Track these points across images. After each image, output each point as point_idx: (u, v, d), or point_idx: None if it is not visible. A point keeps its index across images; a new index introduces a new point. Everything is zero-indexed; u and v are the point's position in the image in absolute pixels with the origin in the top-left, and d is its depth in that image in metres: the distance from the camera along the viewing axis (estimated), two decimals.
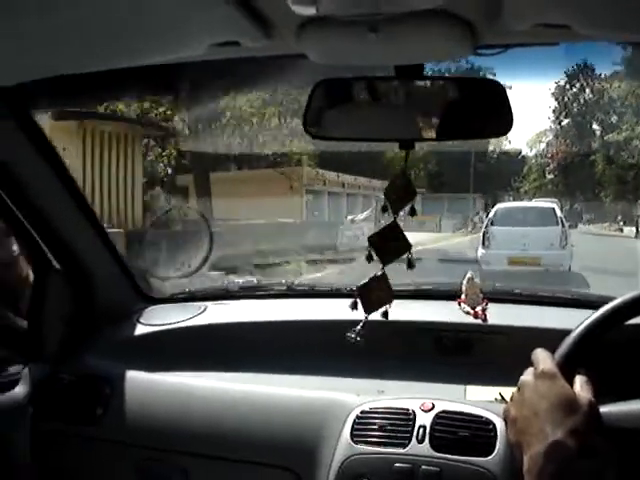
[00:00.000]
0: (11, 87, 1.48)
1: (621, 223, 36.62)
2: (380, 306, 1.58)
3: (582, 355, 1.21)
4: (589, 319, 1.24)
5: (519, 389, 1.20)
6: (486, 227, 15.09)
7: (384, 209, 1.47)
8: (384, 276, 1.56)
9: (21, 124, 1.69)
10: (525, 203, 19.96)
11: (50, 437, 1.84)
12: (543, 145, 52.84)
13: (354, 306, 1.59)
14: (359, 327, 1.62)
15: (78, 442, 1.83)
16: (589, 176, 46.11)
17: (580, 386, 1.15)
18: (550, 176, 51.31)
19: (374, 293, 1.58)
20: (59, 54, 1.25)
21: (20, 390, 1.87)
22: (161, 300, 2.27)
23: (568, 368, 1.17)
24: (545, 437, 1.08)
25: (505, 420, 1.22)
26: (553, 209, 15.62)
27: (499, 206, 16.95)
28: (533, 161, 52.64)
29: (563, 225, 14.78)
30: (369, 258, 1.52)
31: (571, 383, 1.15)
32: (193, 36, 1.19)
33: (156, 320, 2.08)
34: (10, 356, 1.96)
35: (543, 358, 1.20)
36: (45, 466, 1.85)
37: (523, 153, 54.31)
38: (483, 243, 14.55)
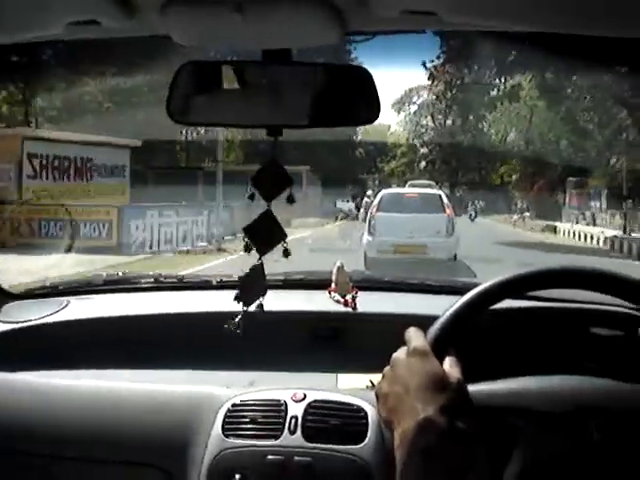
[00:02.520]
0: None
1: (526, 214, 37.02)
2: (258, 297, 1.55)
3: (452, 336, 1.24)
4: (459, 302, 1.27)
5: (392, 366, 1.21)
6: (371, 213, 14.91)
7: (251, 197, 1.44)
8: (261, 266, 1.54)
9: None
10: (411, 189, 19.40)
11: None
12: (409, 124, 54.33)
13: (237, 298, 1.56)
14: (238, 318, 1.59)
15: None
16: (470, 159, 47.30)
17: (450, 365, 1.17)
18: (423, 150, 52.38)
19: (252, 284, 1.55)
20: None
21: None
22: (21, 296, 2.16)
23: (439, 348, 1.20)
24: (416, 413, 1.09)
25: (377, 396, 1.23)
26: (440, 196, 15.63)
27: (385, 192, 16.65)
28: (403, 141, 53.94)
29: (449, 212, 14.79)
30: (247, 248, 1.49)
31: (441, 362, 1.17)
32: (50, 14, 1.13)
33: (15, 317, 1.98)
34: None
35: (416, 336, 1.22)
36: None
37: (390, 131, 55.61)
38: (369, 230, 14.36)
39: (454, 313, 1.26)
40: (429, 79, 49.38)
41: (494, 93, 45.75)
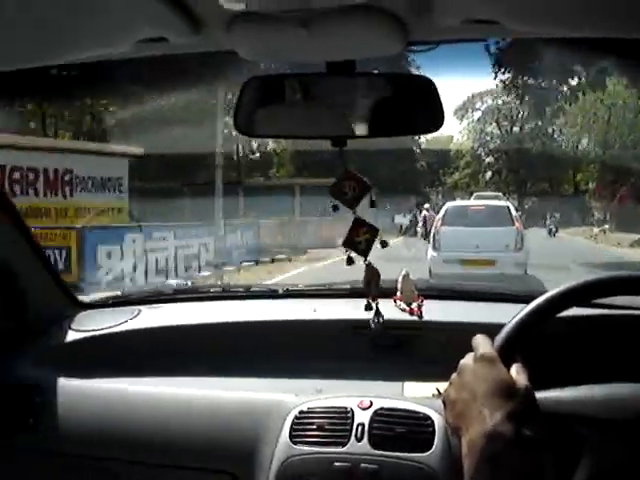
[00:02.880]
0: None
1: (605, 226, 33.03)
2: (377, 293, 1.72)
3: (519, 343, 1.24)
4: (525, 309, 1.26)
5: (459, 373, 1.21)
6: (435, 227, 14.14)
7: (335, 208, 1.49)
8: (371, 266, 1.67)
9: None
10: (477, 201, 18.00)
11: None
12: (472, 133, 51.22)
13: (367, 307, 1.76)
14: (371, 327, 1.76)
15: (10, 453, 1.77)
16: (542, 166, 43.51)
17: (517, 372, 1.17)
18: (488, 159, 48.75)
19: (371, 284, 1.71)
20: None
21: None
22: (93, 305, 2.22)
23: (506, 354, 1.19)
24: (483, 420, 1.09)
25: (444, 403, 1.23)
26: (508, 207, 14.76)
27: (449, 204, 15.82)
28: (467, 150, 50.85)
29: (518, 225, 13.90)
30: (349, 261, 1.57)
31: (508, 369, 1.17)
32: (120, 32, 1.17)
33: (88, 326, 2.03)
34: None
35: (483, 343, 1.22)
36: None
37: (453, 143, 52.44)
38: (433, 245, 13.67)
39: (521, 320, 1.25)
40: (495, 79, 46.38)
41: (564, 92, 42.71)
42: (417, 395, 1.66)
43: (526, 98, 46.58)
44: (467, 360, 1.21)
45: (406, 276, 2.00)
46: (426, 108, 1.36)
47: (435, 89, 1.35)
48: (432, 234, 14.12)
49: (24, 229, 1.93)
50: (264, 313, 2.04)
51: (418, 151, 46.81)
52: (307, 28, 1.07)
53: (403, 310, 1.93)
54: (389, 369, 1.80)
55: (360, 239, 1.57)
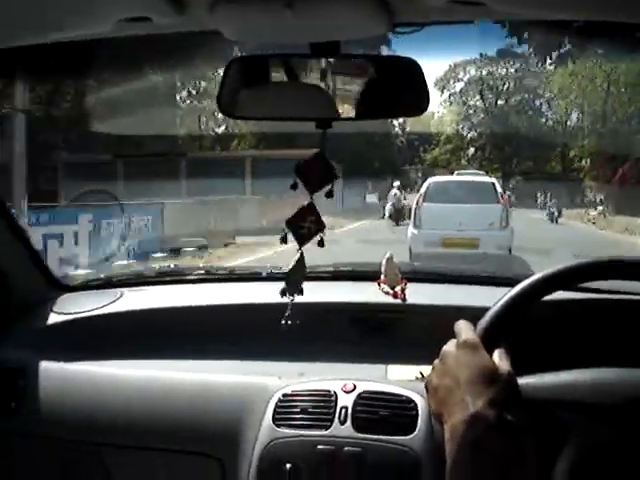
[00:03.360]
0: None
1: (599, 208, 28.46)
2: (301, 289, 1.59)
3: (502, 328, 1.23)
4: (510, 293, 1.26)
5: (441, 359, 1.21)
6: (417, 204, 13.36)
7: (294, 186, 1.45)
8: (303, 258, 1.57)
9: None
10: (461, 177, 16.77)
11: None
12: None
13: (283, 292, 1.59)
14: (288, 311, 1.61)
15: None
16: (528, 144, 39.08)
17: (499, 357, 1.17)
18: (471, 134, 44.29)
19: (295, 277, 1.59)
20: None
21: None
22: (75, 288, 2.21)
23: (489, 340, 1.19)
24: (466, 407, 1.09)
25: (426, 388, 1.23)
26: (493, 184, 14.06)
27: (431, 180, 14.70)
28: (448, 124, 46.71)
29: (504, 202, 13.31)
30: (284, 240, 1.51)
31: (491, 355, 1.17)
32: (102, 11, 1.15)
33: (71, 308, 2.02)
34: None
35: (465, 329, 1.22)
36: None
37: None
38: (414, 222, 13.03)
39: (504, 305, 1.25)
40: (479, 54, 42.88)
41: (556, 57, 34.03)
42: (401, 378, 1.66)
43: (512, 68, 43.76)
44: (449, 346, 1.21)
45: (390, 259, 2.01)
46: (411, 90, 1.35)
47: (420, 71, 1.33)
48: (413, 210, 13.45)
49: (4, 212, 1.90)
50: (247, 295, 2.04)
51: (397, 129, 44.51)
52: (291, 8, 1.06)
53: (387, 293, 1.94)
54: (372, 352, 1.80)
55: (304, 225, 1.53)
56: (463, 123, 47.15)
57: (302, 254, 1.55)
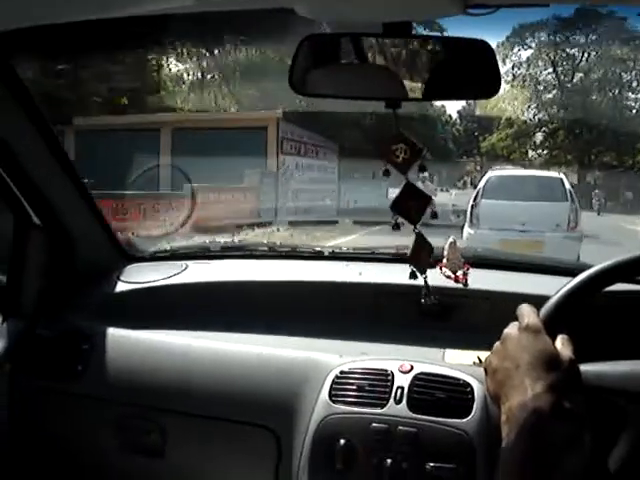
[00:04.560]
0: None
1: None
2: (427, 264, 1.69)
3: (565, 315, 1.23)
4: (573, 281, 1.26)
5: (502, 341, 1.20)
6: (474, 200, 11.87)
7: (386, 173, 1.48)
8: (421, 235, 1.64)
9: (2, 78, 1.64)
10: (524, 171, 15.12)
11: (29, 393, 1.84)
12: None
13: (413, 275, 1.71)
14: (424, 290, 1.74)
15: (58, 398, 1.82)
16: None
17: (562, 343, 1.16)
18: (541, 116, 33.81)
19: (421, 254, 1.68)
20: (34, 2, 1.21)
21: None
22: (142, 258, 2.26)
23: (551, 326, 1.19)
24: (524, 390, 1.09)
25: (485, 370, 1.23)
26: (561, 180, 12.34)
27: (491, 173, 13.08)
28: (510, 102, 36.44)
29: (573, 201, 11.60)
30: (396, 226, 1.56)
31: (553, 340, 1.16)
32: None
33: (137, 278, 2.07)
34: None
35: (528, 313, 1.21)
36: (24, 422, 1.84)
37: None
38: (470, 220, 11.63)
39: (567, 293, 1.24)
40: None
41: None
42: (458, 362, 1.66)
43: (594, 34, 33.13)
44: (511, 329, 1.21)
45: (452, 243, 2.00)
46: (481, 72, 1.34)
47: (492, 53, 1.32)
48: (469, 208, 11.96)
49: (78, 183, 1.96)
50: (310, 274, 2.06)
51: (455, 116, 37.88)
52: None
53: (448, 277, 1.93)
54: (432, 335, 1.81)
55: (411, 205, 1.55)
56: (529, 102, 37.47)
57: (420, 234, 1.62)
